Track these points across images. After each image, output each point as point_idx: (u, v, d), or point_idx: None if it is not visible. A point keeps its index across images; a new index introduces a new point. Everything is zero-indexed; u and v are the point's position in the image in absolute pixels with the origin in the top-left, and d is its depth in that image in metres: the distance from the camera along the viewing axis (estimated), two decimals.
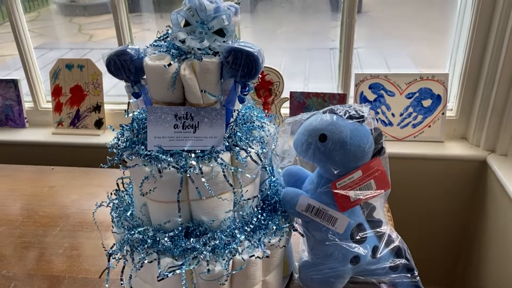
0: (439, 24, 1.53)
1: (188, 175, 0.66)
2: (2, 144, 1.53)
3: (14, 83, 1.54)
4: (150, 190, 0.68)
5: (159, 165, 0.66)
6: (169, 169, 0.66)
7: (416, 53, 1.78)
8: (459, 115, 1.37)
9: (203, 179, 0.66)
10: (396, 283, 0.80)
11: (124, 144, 0.70)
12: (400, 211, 1.42)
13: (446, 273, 1.54)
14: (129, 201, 0.81)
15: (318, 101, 1.38)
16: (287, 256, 0.84)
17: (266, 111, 1.41)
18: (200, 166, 0.66)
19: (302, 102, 1.40)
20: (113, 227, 0.77)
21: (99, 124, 1.51)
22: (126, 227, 0.75)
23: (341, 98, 1.37)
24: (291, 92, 1.40)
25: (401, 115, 1.38)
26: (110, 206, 0.80)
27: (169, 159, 0.66)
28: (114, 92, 1.88)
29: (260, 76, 1.35)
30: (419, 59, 1.72)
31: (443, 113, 1.35)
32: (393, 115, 1.38)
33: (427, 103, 1.36)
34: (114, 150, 0.71)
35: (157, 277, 0.66)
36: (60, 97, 1.51)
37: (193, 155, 0.67)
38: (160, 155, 0.66)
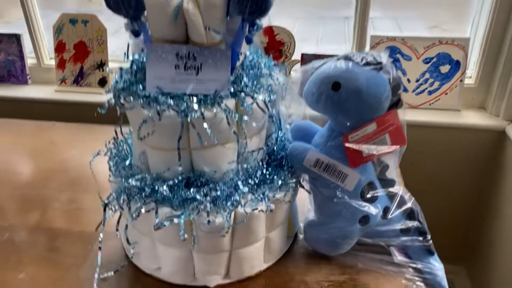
0: None
1: (189, 120, 0.61)
2: (4, 100, 1.49)
3: (16, 37, 1.49)
4: (148, 134, 0.63)
5: (158, 108, 0.61)
6: (169, 112, 0.61)
7: (435, 17, 1.70)
8: (478, 82, 1.31)
9: (205, 125, 0.61)
10: (407, 246, 0.76)
11: (122, 85, 0.66)
12: (412, 180, 1.36)
13: (457, 246, 1.50)
14: (128, 151, 0.76)
15: None
16: (292, 216, 0.80)
17: (276, 61, 1.35)
18: (202, 110, 0.61)
19: None
20: (110, 176, 0.73)
21: (102, 82, 1.46)
22: (123, 176, 0.71)
23: None
24: (302, 54, 1.34)
25: (417, 81, 1.31)
26: (108, 155, 0.76)
27: (169, 101, 0.62)
28: (119, 54, 1.83)
29: (268, 27, 1.27)
30: (438, 23, 1.64)
31: (461, 80, 1.28)
32: (408, 80, 1.31)
33: (445, 69, 1.29)
34: (111, 93, 0.66)
35: (154, 226, 0.63)
36: (64, 53, 1.46)
37: (195, 98, 0.62)
38: (160, 97, 0.62)
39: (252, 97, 0.65)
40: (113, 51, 1.57)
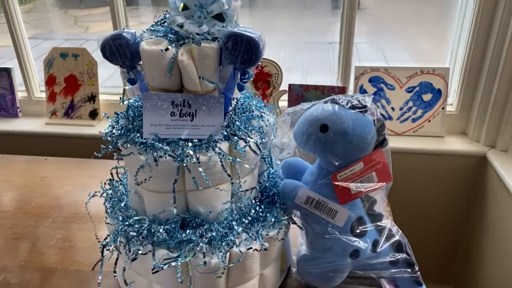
0: (441, 17, 1.51)
1: (184, 164, 0.64)
2: None
3: (7, 71, 1.51)
4: (145, 179, 0.65)
5: (155, 154, 0.64)
6: (165, 158, 0.63)
7: (416, 47, 1.76)
8: (459, 110, 1.36)
9: (200, 169, 0.64)
10: (396, 278, 0.79)
11: (119, 131, 0.68)
12: (398, 206, 1.40)
13: (443, 270, 1.53)
14: (124, 192, 0.78)
15: (317, 94, 1.36)
16: (285, 250, 0.82)
17: (266, 101, 1.39)
18: (197, 155, 0.64)
19: (301, 95, 1.38)
20: (106, 218, 0.75)
21: (93, 114, 1.48)
22: (120, 218, 0.73)
23: (341, 91, 1.35)
24: (289, 85, 1.38)
25: (401, 109, 1.36)
26: (104, 196, 0.78)
27: (165, 147, 0.64)
28: (109, 83, 1.85)
29: (260, 64, 1.32)
30: (419, 53, 1.71)
31: (443, 108, 1.34)
32: (392, 109, 1.36)
33: (427, 97, 1.34)
34: (109, 138, 0.69)
35: (152, 269, 0.64)
36: (54, 86, 1.48)
37: (190, 144, 0.65)
38: (156, 144, 0.64)
39: (245, 140, 0.68)
40: (103, 81, 1.60)
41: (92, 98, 1.47)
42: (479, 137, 1.32)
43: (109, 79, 1.88)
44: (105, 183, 0.78)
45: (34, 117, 1.55)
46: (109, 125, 0.71)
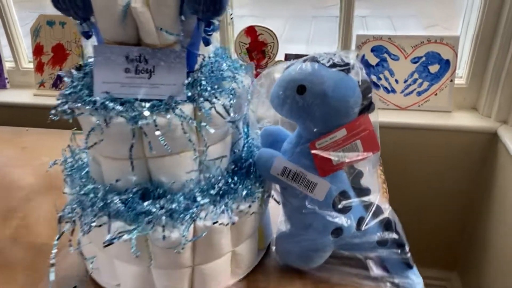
0: None
1: (139, 127, 0.57)
2: None
3: None
4: (96, 143, 0.59)
5: (106, 115, 0.57)
6: (118, 119, 0.56)
7: (426, 15, 1.65)
8: (469, 82, 1.25)
9: (157, 133, 0.57)
10: (384, 259, 0.71)
11: (70, 90, 0.61)
12: (401, 185, 1.32)
13: (447, 255, 1.45)
14: (86, 159, 0.72)
15: None
16: (263, 227, 0.76)
17: (244, 63, 1.30)
18: (154, 117, 0.57)
19: None
20: (65, 187, 0.69)
21: None
22: (78, 187, 0.67)
23: None
24: (286, 54, 1.29)
25: (405, 81, 1.26)
26: (64, 165, 0.71)
27: (118, 108, 0.57)
28: None
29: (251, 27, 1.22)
30: (429, 22, 1.59)
31: (451, 80, 1.23)
32: (396, 81, 1.26)
33: (434, 68, 1.24)
34: (60, 99, 0.62)
35: (103, 242, 0.58)
36: (42, 56, 1.42)
37: (147, 104, 0.58)
38: (108, 103, 0.57)
39: (210, 102, 0.60)
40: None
41: (80, 68, 1.40)
42: (490, 112, 1.21)
43: None
44: (65, 150, 0.71)
45: (22, 88, 1.49)
46: (68, 85, 0.65)
